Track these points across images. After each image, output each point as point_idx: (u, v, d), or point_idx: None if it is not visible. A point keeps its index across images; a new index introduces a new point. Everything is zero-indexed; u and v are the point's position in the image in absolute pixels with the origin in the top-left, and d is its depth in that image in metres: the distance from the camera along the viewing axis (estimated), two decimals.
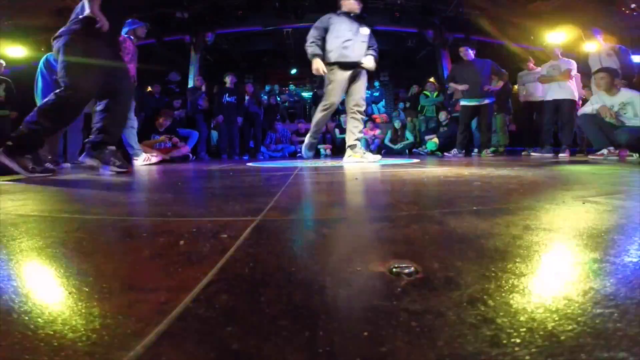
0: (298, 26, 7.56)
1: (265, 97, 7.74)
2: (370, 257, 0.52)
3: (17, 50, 6.16)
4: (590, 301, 0.36)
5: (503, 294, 0.38)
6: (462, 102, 4.93)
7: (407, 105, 7.52)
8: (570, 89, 4.40)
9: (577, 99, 4.50)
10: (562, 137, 4.45)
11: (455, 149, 5.00)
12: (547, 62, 4.75)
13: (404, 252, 0.55)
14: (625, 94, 3.30)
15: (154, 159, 3.83)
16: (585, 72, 4.48)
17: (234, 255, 0.55)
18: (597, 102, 3.52)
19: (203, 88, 6.28)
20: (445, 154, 5.22)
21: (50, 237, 0.75)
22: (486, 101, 4.79)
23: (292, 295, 0.40)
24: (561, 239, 0.61)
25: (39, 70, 3.79)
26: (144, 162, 3.69)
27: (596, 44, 4.12)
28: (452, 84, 5.07)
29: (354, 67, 3.26)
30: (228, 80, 6.00)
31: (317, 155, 6.90)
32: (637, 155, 3.10)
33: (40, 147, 2.36)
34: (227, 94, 5.90)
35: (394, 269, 0.46)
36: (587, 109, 3.64)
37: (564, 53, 4.68)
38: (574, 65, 4.49)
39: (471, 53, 4.92)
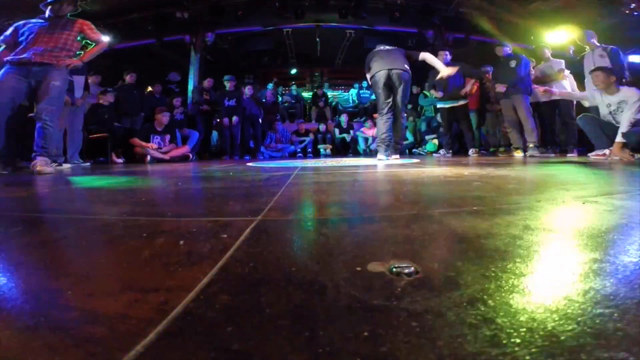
0: (298, 26, 7.56)
1: (268, 91, 7.74)
2: (370, 257, 0.52)
3: None
4: (590, 301, 0.36)
5: (503, 294, 0.38)
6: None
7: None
8: (566, 89, 4.40)
9: (573, 98, 4.50)
10: (567, 137, 4.43)
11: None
12: (540, 64, 4.75)
13: (404, 252, 0.55)
14: (624, 93, 3.31)
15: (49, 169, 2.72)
16: (578, 73, 4.48)
17: (234, 255, 0.55)
18: (593, 97, 3.56)
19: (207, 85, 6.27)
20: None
21: (50, 237, 0.75)
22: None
23: (292, 295, 0.40)
24: (561, 239, 0.61)
25: None
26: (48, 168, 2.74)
27: (589, 46, 4.16)
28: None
29: None
30: (228, 84, 6.01)
31: (317, 154, 6.90)
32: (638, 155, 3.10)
33: None
34: (227, 98, 5.91)
35: (394, 269, 0.46)
36: (586, 102, 3.72)
37: (554, 54, 4.69)
38: (563, 65, 4.52)
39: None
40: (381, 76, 3.71)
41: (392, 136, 3.79)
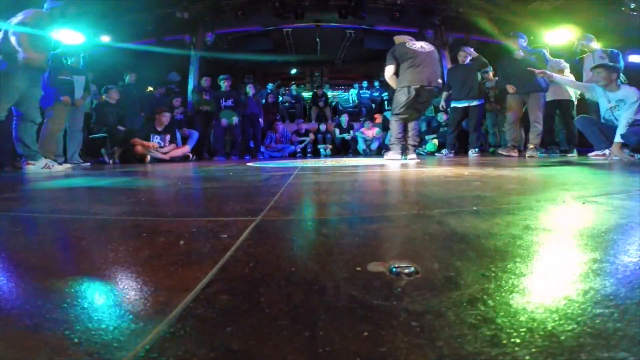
0: (298, 26, 7.55)
1: (268, 91, 7.72)
2: (370, 257, 0.52)
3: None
4: (590, 301, 0.36)
5: (503, 294, 0.38)
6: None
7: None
8: (567, 90, 4.40)
9: (574, 99, 4.49)
10: (567, 137, 4.42)
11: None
12: None
13: (404, 252, 0.55)
14: (624, 91, 3.32)
15: (60, 167, 3.08)
16: (575, 73, 4.48)
17: (234, 255, 0.55)
18: (594, 90, 3.56)
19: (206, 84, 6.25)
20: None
21: (50, 237, 0.75)
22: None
23: (292, 295, 0.40)
24: (561, 239, 0.61)
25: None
26: (43, 168, 2.89)
27: (589, 49, 4.16)
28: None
29: None
30: (224, 84, 5.97)
31: (317, 154, 6.90)
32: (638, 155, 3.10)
33: None
34: (223, 99, 5.88)
35: (394, 269, 0.46)
36: (586, 94, 3.73)
37: (553, 54, 4.69)
38: (563, 63, 4.51)
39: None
40: (414, 90, 3.45)
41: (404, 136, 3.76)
